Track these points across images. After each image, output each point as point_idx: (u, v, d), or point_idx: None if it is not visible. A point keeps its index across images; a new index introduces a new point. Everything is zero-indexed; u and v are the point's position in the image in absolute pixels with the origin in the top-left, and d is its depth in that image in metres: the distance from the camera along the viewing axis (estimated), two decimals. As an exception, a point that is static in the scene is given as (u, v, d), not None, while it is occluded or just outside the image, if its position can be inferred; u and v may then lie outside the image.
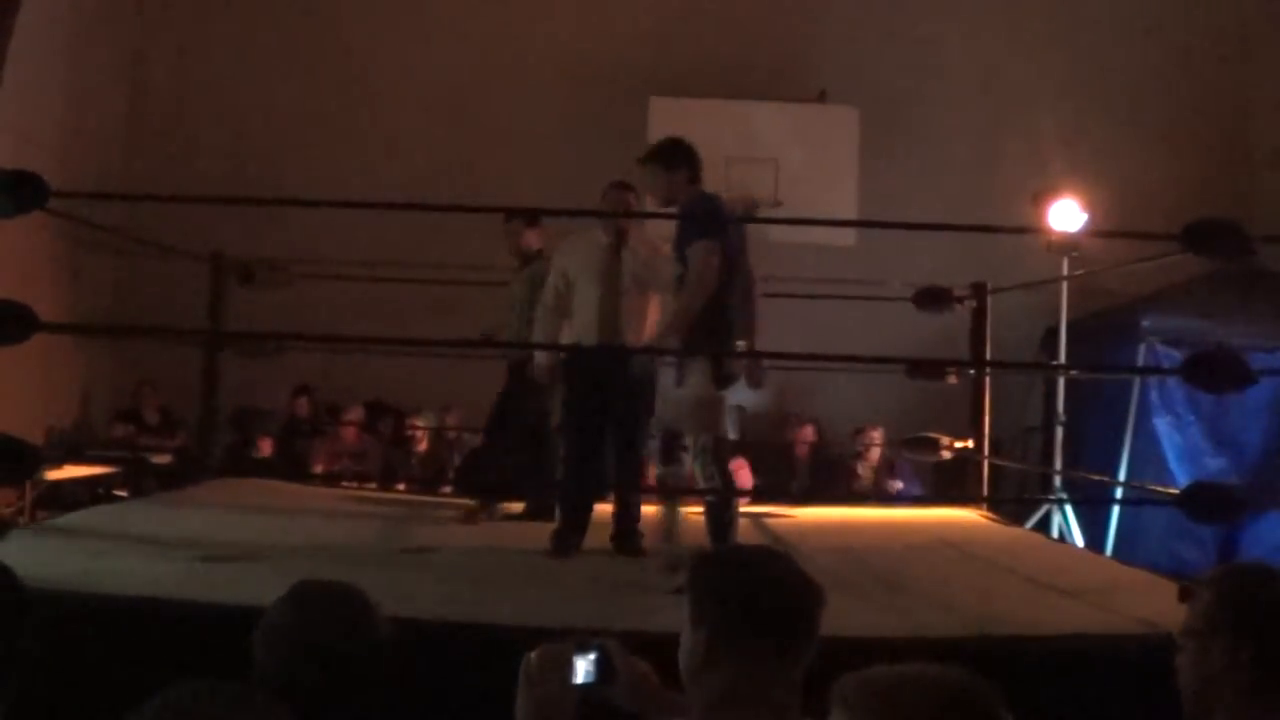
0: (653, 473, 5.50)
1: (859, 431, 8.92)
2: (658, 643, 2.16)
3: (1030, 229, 8.06)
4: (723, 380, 4.57)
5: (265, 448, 8.82)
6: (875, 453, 8.68)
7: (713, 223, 4.56)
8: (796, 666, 1.88)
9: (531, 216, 6.04)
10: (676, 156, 4.75)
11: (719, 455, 4.58)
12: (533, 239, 6.06)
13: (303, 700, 1.84)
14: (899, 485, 8.51)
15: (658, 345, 4.92)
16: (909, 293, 7.04)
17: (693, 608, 1.95)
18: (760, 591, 1.90)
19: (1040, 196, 8.28)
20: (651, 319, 5.28)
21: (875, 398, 8.82)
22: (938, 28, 10.18)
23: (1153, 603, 4.05)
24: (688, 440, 4.59)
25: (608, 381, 5.10)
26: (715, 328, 4.55)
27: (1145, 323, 8.45)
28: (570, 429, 5.33)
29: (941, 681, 1.44)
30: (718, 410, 4.60)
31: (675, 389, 4.62)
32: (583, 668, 2.00)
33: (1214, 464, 8.19)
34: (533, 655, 1.98)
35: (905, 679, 1.46)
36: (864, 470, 8.73)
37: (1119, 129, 9.93)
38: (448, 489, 7.47)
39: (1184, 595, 2.02)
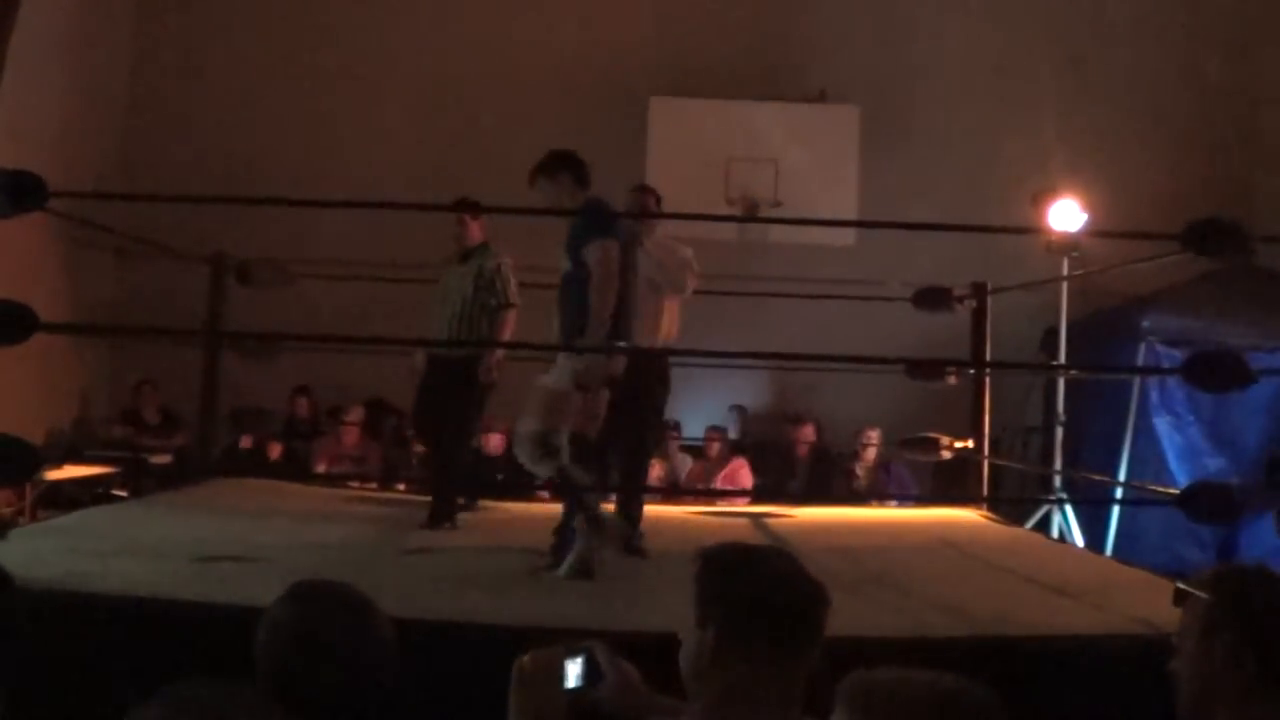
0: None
1: (859, 432, 8.92)
2: (657, 643, 2.17)
3: (1030, 229, 8.06)
4: (589, 379, 4.59)
5: (274, 450, 8.81)
6: (871, 453, 8.67)
7: (605, 222, 4.63)
8: (801, 666, 1.89)
9: (474, 208, 5.96)
10: (558, 165, 4.88)
11: (552, 449, 4.59)
12: (476, 231, 5.98)
13: (304, 700, 1.84)
14: (893, 502, 8.45)
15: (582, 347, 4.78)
16: (909, 293, 7.04)
17: (699, 606, 1.95)
18: (768, 591, 1.91)
19: (1040, 196, 8.28)
20: (666, 320, 5.29)
21: (875, 398, 8.81)
22: (938, 28, 10.19)
23: (1152, 603, 4.04)
24: (525, 424, 4.59)
25: (617, 383, 5.13)
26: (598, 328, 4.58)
27: (1145, 323, 8.46)
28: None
29: (941, 686, 1.45)
30: (565, 406, 4.60)
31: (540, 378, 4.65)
32: (573, 672, 2.01)
33: (1214, 464, 8.20)
34: (524, 660, 1.98)
35: (906, 682, 1.46)
36: (860, 471, 8.72)
37: (1119, 129, 9.94)
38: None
39: (1178, 599, 2.02)
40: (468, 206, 5.87)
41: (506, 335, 5.86)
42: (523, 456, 4.59)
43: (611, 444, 5.25)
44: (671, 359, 5.53)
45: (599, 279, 4.53)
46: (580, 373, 4.57)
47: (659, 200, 5.48)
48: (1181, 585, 2.02)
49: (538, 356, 5.90)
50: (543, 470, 4.61)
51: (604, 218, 4.66)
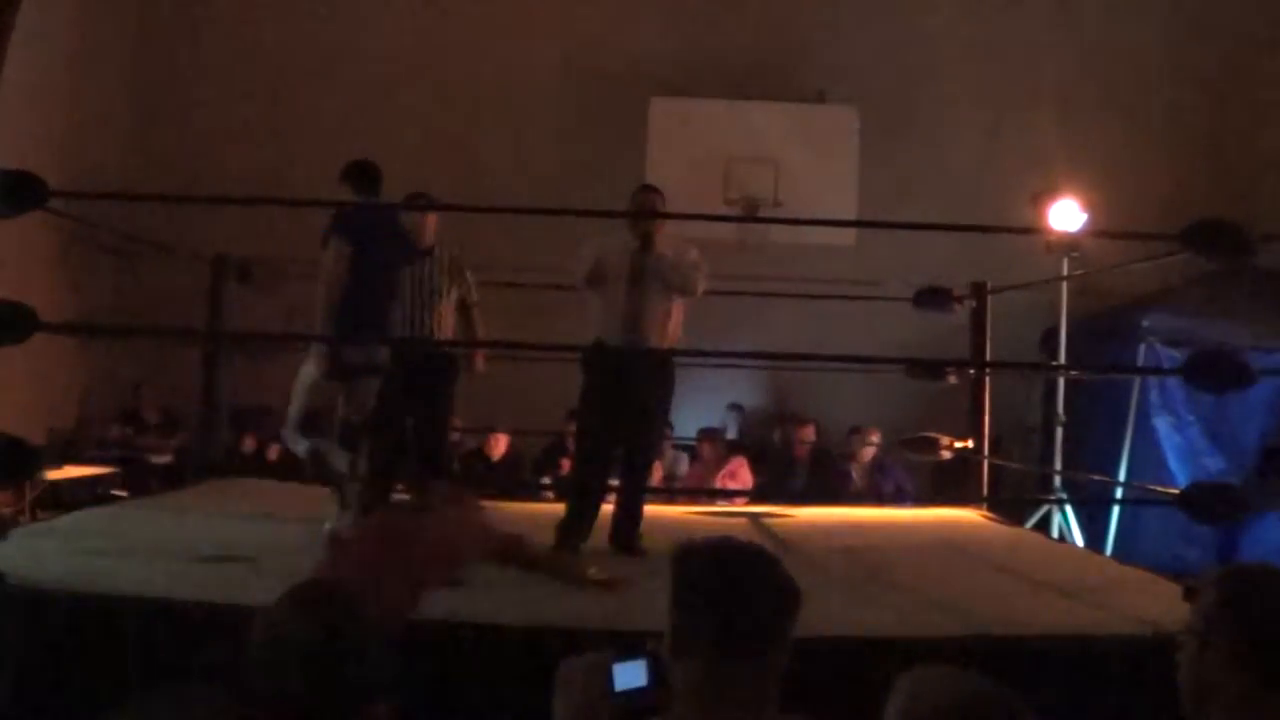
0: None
1: (854, 431, 8.92)
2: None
3: (1030, 229, 8.06)
4: (337, 371, 4.99)
5: (274, 451, 8.81)
6: (867, 453, 8.66)
7: (341, 225, 4.95)
8: (763, 666, 1.88)
9: (438, 206, 5.86)
10: (343, 176, 5.26)
11: (302, 429, 5.05)
12: (434, 229, 5.82)
13: (299, 699, 1.84)
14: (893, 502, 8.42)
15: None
16: (909, 293, 7.04)
17: (670, 594, 1.96)
18: (729, 590, 1.90)
19: (1040, 196, 8.28)
20: (674, 321, 5.29)
21: (875, 398, 8.82)
22: (937, 27, 10.19)
23: (1153, 603, 4.05)
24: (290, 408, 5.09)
25: (625, 382, 5.15)
26: (339, 321, 4.93)
27: (1145, 323, 8.45)
28: (583, 426, 5.39)
29: (984, 690, 1.49)
30: (310, 392, 5.08)
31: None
32: (623, 674, 1.98)
33: (1214, 464, 8.20)
34: (568, 664, 1.98)
35: (955, 678, 1.50)
36: (856, 472, 8.71)
37: (1119, 129, 9.94)
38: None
39: (1188, 594, 2.01)
40: (437, 205, 5.81)
41: (482, 332, 5.86)
42: (287, 439, 5.08)
43: (615, 443, 5.29)
44: (672, 359, 5.54)
45: (322, 277, 4.92)
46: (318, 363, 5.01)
47: (664, 200, 5.47)
48: (1190, 583, 2.02)
49: (537, 356, 5.92)
50: (298, 449, 5.07)
51: (342, 221, 4.96)
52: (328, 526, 4.94)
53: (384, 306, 5.11)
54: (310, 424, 5.17)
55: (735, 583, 1.91)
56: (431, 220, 5.82)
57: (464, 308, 5.79)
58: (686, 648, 1.88)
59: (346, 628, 1.96)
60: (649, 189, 5.48)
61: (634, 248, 5.24)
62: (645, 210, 5.28)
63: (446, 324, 5.68)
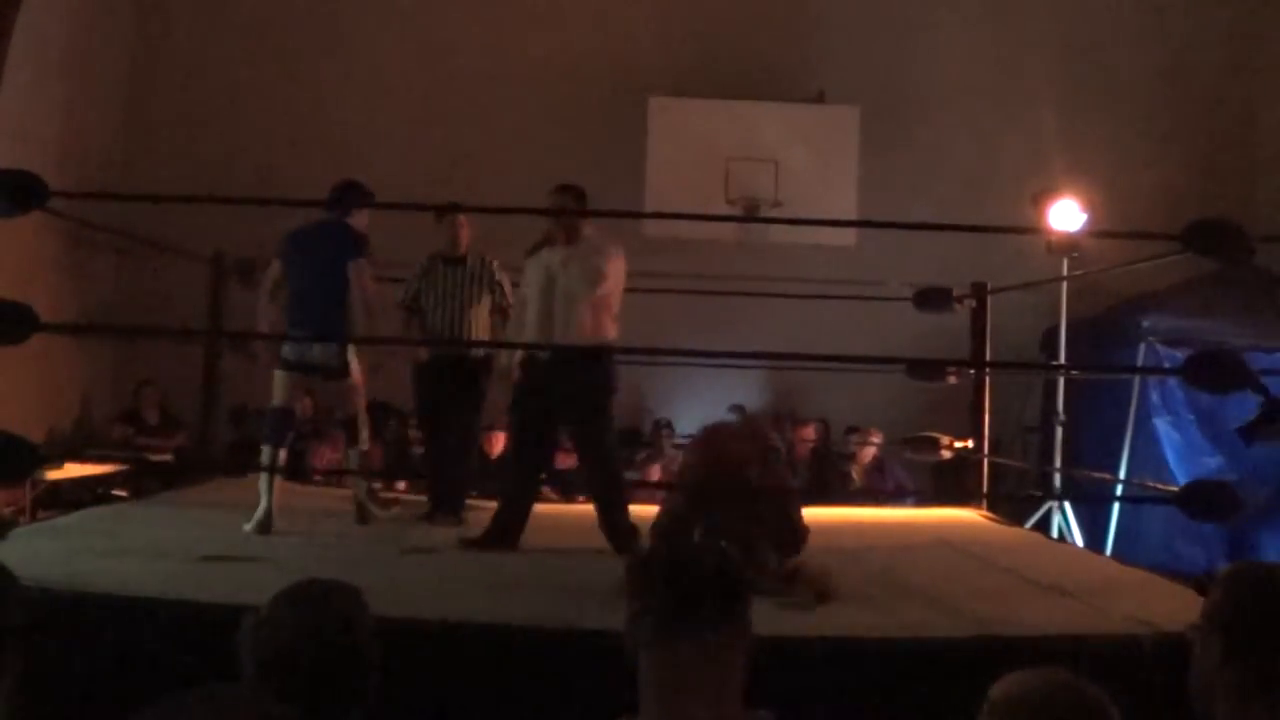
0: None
1: (852, 431, 8.92)
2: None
3: (1030, 229, 8.06)
4: (280, 363, 5.56)
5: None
6: (867, 453, 8.67)
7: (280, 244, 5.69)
8: (718, 656, 1.87)
9: (470, 210, 6.08)
10: None
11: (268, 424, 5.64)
12: (468, 235, 6.08)
13: (292, 698, 1.84)
14: (893, 501, 8.43)
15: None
16: (909, 293, 7.04)
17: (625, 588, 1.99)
18: (671, 575, 1.92)
19: (1040, 196, 8.28)
20: (589, 319, 5.23)
21: (875, 398, 8.81)
22: (937, 28, 10.18)
23: (1153, 603, 4.05)
24: None
25: (550, 388, 5.19)
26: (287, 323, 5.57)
27: (1145, 323, 8.45)
28: (511, 430, 5.53)
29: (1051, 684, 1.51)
30: (275, 386, 5.62)
31: None
32: None
33: (1213, 463, 8.19)
34: None
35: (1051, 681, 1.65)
36: (856, 472, 8.72)
37: (1119, 129, 9.93)
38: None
39: (1201, 590, 2.01)
40: (465, 208, 5.97)
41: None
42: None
43: (543, 444, 5.46)
44: (672, 359, 5.55)
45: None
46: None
47: (580, 198, 5.41)
48: (1205, 576, 2.02)
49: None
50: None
51: (280, 239, 5.72)
52: (246, 527, 5.23)
53: (312, 310, 5.48)
54: (279, 421, 5.63)
55: (678, 567, 1.93)
56: (464, 231, 6.02)
57: (501, 313, 6.02)
58: (641, 638, 1.89)
59: (338, 627, 1.96)
60: (559, 188, 5.43)
61: (541, 255, 5.32)
62: (556, 209, 5.30)
63: (480, 329, 5.89)
